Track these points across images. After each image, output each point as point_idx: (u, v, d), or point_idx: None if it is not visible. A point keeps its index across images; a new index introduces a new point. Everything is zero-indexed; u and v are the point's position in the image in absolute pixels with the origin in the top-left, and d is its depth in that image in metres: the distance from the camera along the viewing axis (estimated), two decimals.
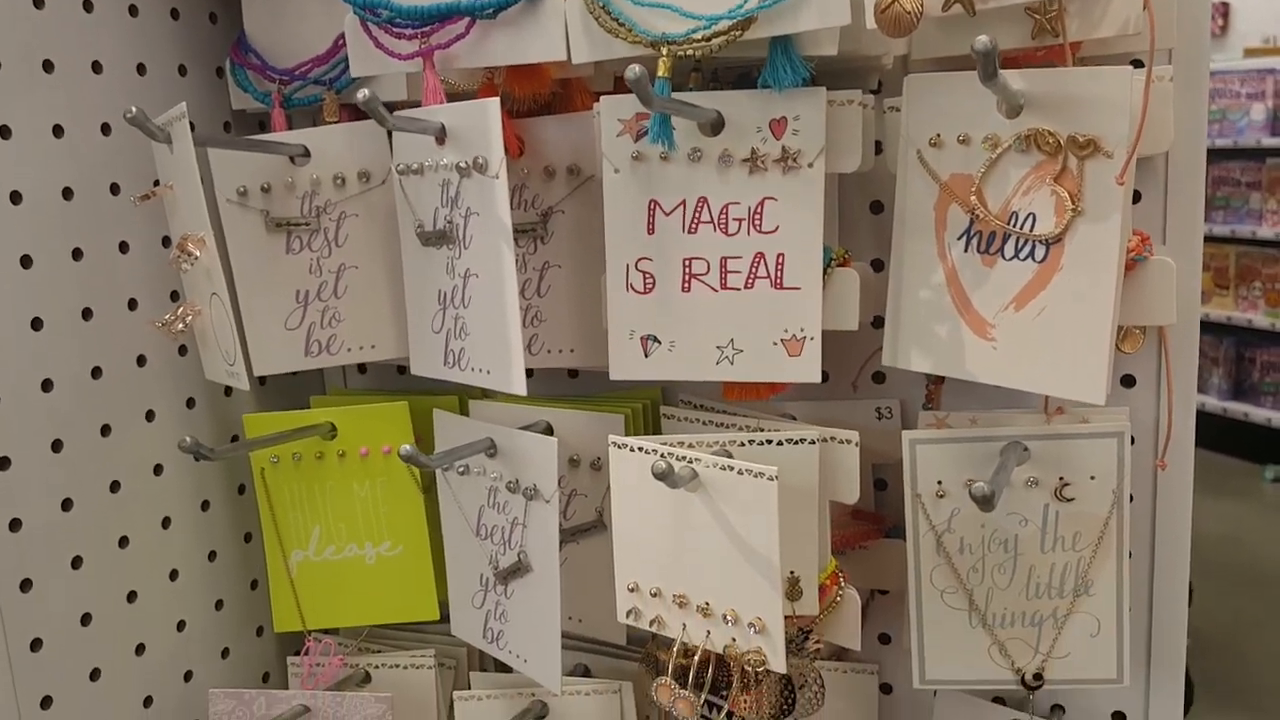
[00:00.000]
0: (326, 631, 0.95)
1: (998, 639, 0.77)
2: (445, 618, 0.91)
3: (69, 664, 0.81)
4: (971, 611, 0.77)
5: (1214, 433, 3.62)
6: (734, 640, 0.70)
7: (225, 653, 0.96)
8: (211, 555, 0.94)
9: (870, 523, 0.87)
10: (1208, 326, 3.58)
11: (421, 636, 0.99)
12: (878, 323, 0.83)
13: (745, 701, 0.77)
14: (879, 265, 0.83)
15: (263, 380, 0.99)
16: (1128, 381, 0.79)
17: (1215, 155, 3.50)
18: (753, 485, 0.67)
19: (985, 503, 0.61)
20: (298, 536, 0.93)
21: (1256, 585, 2.91)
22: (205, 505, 0.93)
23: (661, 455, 0.67)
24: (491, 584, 0.84)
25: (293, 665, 0.96)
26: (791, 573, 0.75)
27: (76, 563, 0.81)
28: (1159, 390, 0.78)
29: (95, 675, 0.83)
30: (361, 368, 1.04)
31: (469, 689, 0.90)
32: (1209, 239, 3.58)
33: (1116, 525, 0.74)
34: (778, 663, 0.68)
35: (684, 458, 0.69)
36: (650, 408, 0.89)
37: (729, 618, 0.70)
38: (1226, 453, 3.76)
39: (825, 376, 0.87)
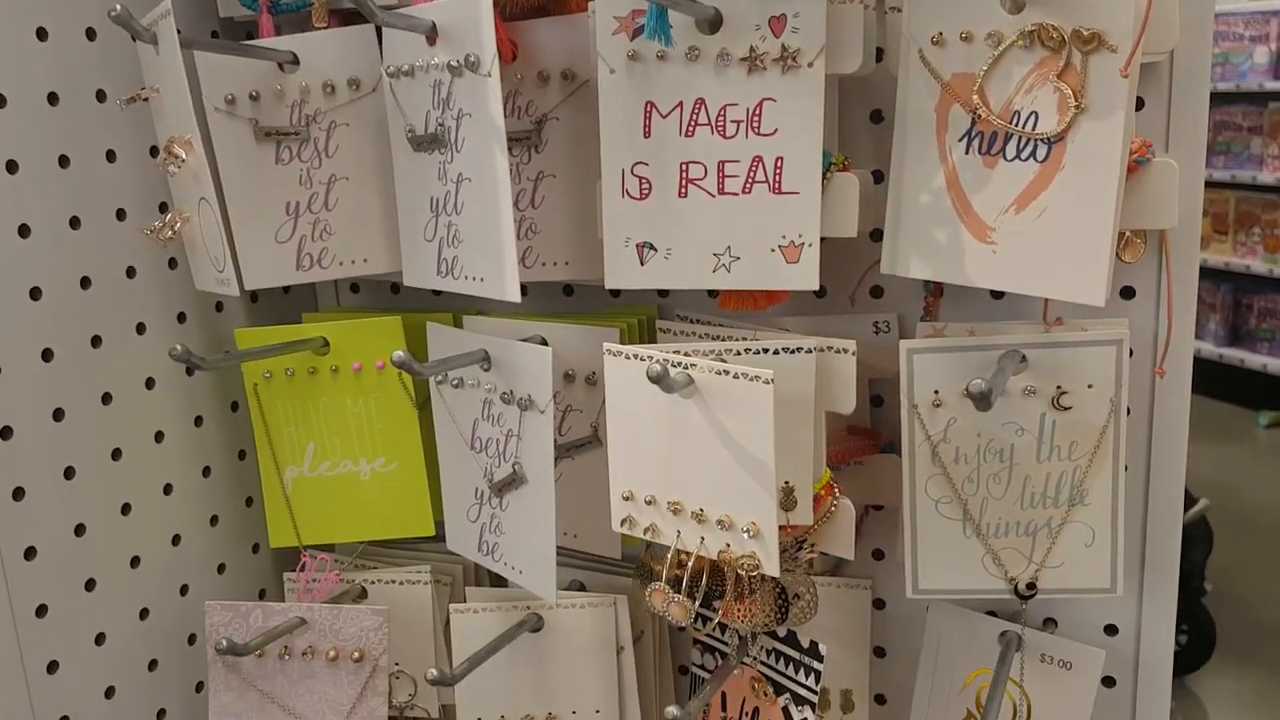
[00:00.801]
0: (322, 548, 0.95)
1: (992, 549, 0.77)
2: (441, 536, 0.91)
3: (63, 573, 0.81)
4: (966, 522, 0.77)
5: (1209, 378, 3.63)
6: (728, 546, 0.70)
7: (221, 568, 0.96)
8: (206, 471, 0.94)
9: (865, 438, 0.87)
10: (1205, 272, 3.57)
11: (417, 554, 1.00)
12: (876, 236, 0.82)
13: (738, 611, 0.77)
14: (879, 177, 0.82)
15: (254, 297, 0.98)
16: (1127, 293, 0.78)
17: (1216, 99, 3.46)
18: (748, 389, 0.66)
19: (982, 399, 0.61)
20: (292, 452, 0.92)
21: (1250, 530, 2.94)
22: (199, 421, 0.93)
23: (656, 359, 0.67)
24: (486, 497, 0.84)
25: (289, 581, 0.96)
26: (786, 483, 0.75)
27: (69, 473, 0.81)
28: (1158, 303, 0.77)
29: (90, 585, 0.83)
30: (354, 287, 1.03)
31: (465, 603, 0.91)
32: (1209, 184, 3.56)
33: (1113, 434, 0.73)
34: (772, 567, 0.68)
35: (679, 363, 0.68)
36: (646, 323, 0.88)
37: (723, 523, 0.70)
38: (1221, 399, 3.78)
39: (822, 291, 0.87)
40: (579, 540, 0.90)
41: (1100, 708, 0.85)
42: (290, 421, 0.92)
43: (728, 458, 0.68)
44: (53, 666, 0.80)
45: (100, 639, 0.84)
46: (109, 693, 0.85)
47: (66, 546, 0.81)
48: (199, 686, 0.93)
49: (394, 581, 0.95)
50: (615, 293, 0.93)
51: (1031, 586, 0.77)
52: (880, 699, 0.94)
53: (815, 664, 0.79)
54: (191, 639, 0.93)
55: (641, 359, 0.70)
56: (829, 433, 0.79)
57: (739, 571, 0.69)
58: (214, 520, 0.95)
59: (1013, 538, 0.77)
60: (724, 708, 0.88)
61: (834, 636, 0.91)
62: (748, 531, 0.68)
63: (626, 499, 0.74)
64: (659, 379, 0.65)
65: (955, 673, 0.85)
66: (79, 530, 0.82)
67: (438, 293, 1.00)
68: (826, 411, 0.76)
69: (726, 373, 0.67)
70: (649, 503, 0.73)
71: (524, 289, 0.97)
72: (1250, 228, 3.67)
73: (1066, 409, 0.73)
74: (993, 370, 0.70)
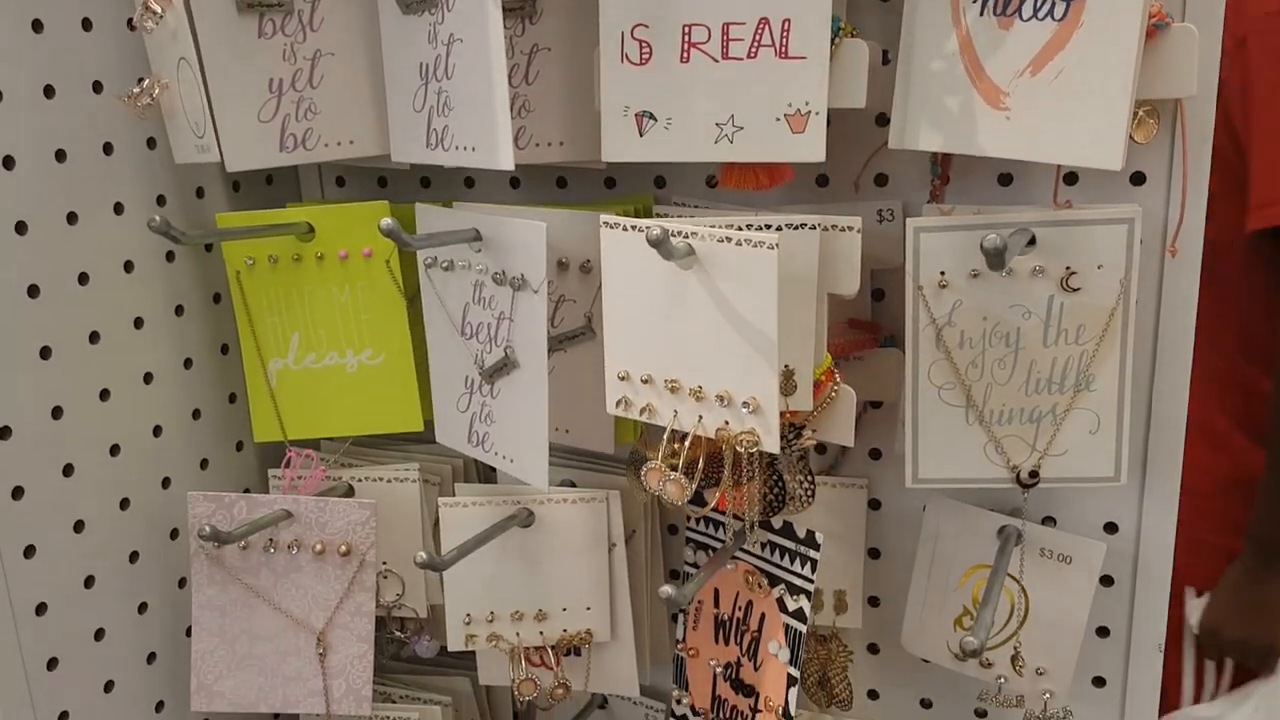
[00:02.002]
0: (308, 445, 0.92)
1: (994, 436, 0.75)
2: (430, 437, 0.89)
3: (40, 456, 0.78)
4: (969, 408, 0.75)
5: None
6: (726, 423, 0.68)
7: (204, 463, 0.94)
8: (187, 362, 0.91)
9: (866, 331, 0.85)
10: None
11: (405, 454, 0.98)
12: (882, 120, 0.80)
13: (735, 498, 0.75)
14: (886, 58, 0.79)
15: (236, 187, 0.95)
16: (1137, 179, 0.76)
17: None
18: (751, 256, 0.64)
19: (996, 256, 0.59)
20: (276, 344, 0.90)
21: None
22: (179, 310, 0.90)
23: (656, 225, 0.64)
24: (477, 385, 0.82)
25: (274, 478, 0.94)
26: (786, 367, 0.73)
27: (45, 353, 0.78)
28: (1169, 188, 0.75)
29: (69, 471, 0.81)
30: (340, 180, 1.00)
31: (454, 497, 0.89)
32: None
33: (1122, 317, 0.72)
34: (771, 443, 0.66)
35: (680, 232, 0.66)
36: (642, 211, 0.86)
37: (723, 399, 0.68)
38: None
39: (824, 180, 0.84)
40: (571, 436, 0.88)
41: (1098, 607, 0.84)
42: (274, 311, 0.89)
43: (728, 330, 0.66)
44: (30, 551, 0.78)
45: (79, 526, 0.82)
46: (88, 582, 0.83)
47: (43, 429, 0.79)
48: (181, 582, 0.91)
49: (381, 479, 0.93)
50: (610, 183, 0.91)
51: (1034, 475, 0.75)
52: (874, 601, 0.93)
53: (812, 553, 0.78)
54: (174, 534, 0.91)
55: (640, 228, 0.68)
56: (829, 326, 0.77)
57: (736, 449, 0.67)
58: (196, 414, 0.92)
59: (1016, 425, 0.75)
60: (716, 603, 0.87)
61: (829, 537, 0.89)
62: (747, 406, 0.66)
63: (622, 379, 0.72)
64: (659, 243, 0.63)
65: (952, 569, 0.84)
66: (55, 413, 0.79)
67: (426, 184, 0.98)
68: (830, 295, 0.74)
69: (729, 240, 0.64)
70: (645, 382, 0.71)
71: (516, 181, 0.95)
72: None
73: (1075, 290, 0.72)
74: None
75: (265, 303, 0.89)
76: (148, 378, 0.87)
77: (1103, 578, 0.85)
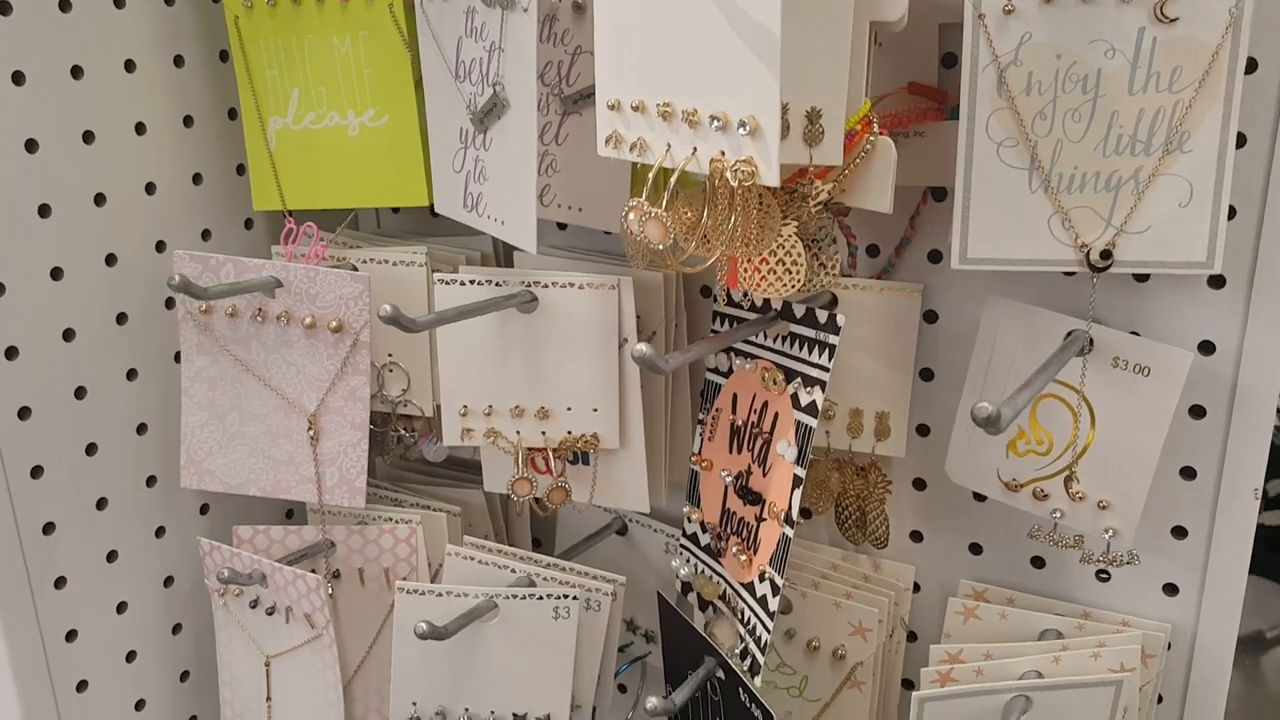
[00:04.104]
0: (309, 216, 0.86)
1: (1062, 207, 0.63)
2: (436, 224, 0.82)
3: (17, 201, 0.74)
4: (1033, 171, 0.63)
5: None
6: (722, 154, 0.57)
7: (206, 234, 0.88)
8: (187, 120, 0.85)
9: (931, 99, 0.72)
10: None
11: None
12: None
13: (749, 273, 0.65)
14: None
15: None
16: None
17: None
18: None
19: None
20: (276, 101, 0.83)
21: None
22: (178, 61, 0.84)
23: None
24: (470, 137, 0.73)
25: (275, 254, 0.88)
26: (812, 108, 0.61)
27: (17, 78, 0.73)
28: None
29: (45, 211, 0.76)
30: None
31: (454, 272, 0.81)
32: None
33: (1228, 58, 0.58)
34: (770, 175, 0.56)
35: None
36: None
37: (718, 121, 0.57)
38: None
39: None
40: (584, 215, 0.79)
41: (1185, 443, 0.71)
42: (273, 63, 0.82)
43: (724, 28, 0.55)
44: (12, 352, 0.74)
45: (56, 273, 0.77)
46: (67, 335, 0.79)
47: (21, 163, 0.74)
48: (177, 356, 0.87)
49: (386, 261, 0.86)
50: None
51: (1107, 255, 0.63)
52: (923, 430, 0.82)
53: (831, 338, 0.67)
54: (169, 303, 0.86)
55: None
56: (886, 92, 0.66)
57: (730, 181, 0.56)
58: (197, 179, 0.87)
59: (1089, 193, 0.62)
60: (734, 409, 0.77)
61: (874, 351, 0.78)
62: (744, 127, 0.55)
63: (612, 109, 0.62)
64: None
65: (1009, 382, 0.72)
66: (30, 146, 0.74)
67: None
68: (874, 25, 0.62)
69: None
70: (637, 109, 0.61)
71: None
72: None
73: (1172, 21, 0.58)
74: None
75: (265, 52, 0.82)
76: (139, 128, 0.81)
77: (1192, 408, 0.72)
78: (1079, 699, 0.68)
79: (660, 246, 0.58)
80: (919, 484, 0.84)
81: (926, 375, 0.80)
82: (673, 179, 0.58)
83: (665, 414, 0.85)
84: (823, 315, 0.68)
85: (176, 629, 0.91)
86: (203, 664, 0.93)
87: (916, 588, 0.85)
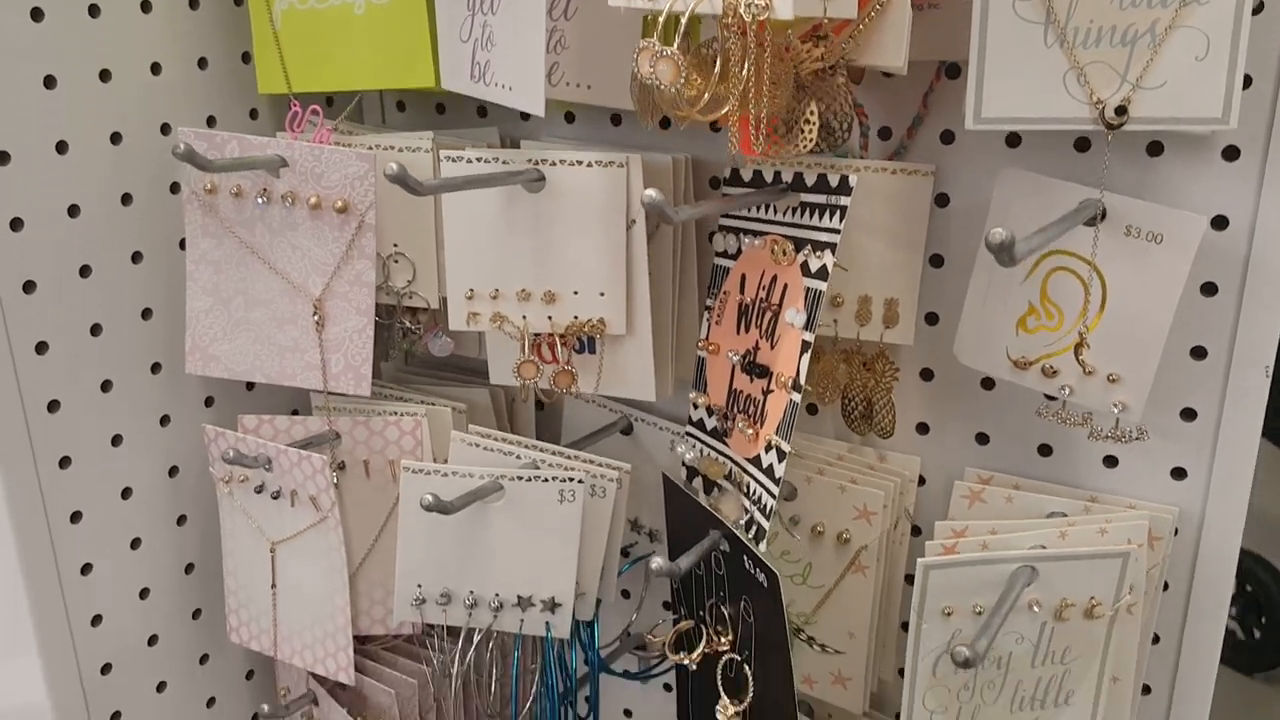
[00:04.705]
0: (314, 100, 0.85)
1: (1077, 63, 0.62)
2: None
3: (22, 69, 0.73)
4: (1049, 25, 0.62)
5: None
6: None
7: (210, 121, 0.88)
8: (193, 3, 0.84)
9: None
10: None
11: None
12: None
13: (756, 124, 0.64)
14: None
15: None
16: None
17: None
18: None
19: None
20: None
21: None
22: None
23: None
24: (477, 3, 0.72)
25: (280, 137, 0.87)
26: None
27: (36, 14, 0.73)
28: None
29: (51, 82, 0.76)
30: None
31: (460, 150, 0.80)
32: None
33: None
34: (783, 7, 0.55)
35: None
36: None
37: None
38: None
39: None
40: (593, 93, 0.78)
41: (1195, 323, 0.71)
42: None
43: None
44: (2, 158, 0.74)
45: (62, 147, 0.77)
46: (73, 210, 0.78)
47: (27, 34, 0.73)
48: (182, 244, 0.86)
49: (393, 148, 0.85)
50: None
51: (1122, 111, 0.62)
52: (931, 319, 0.81)
53: (843, 200, 0.67)
54: (174, 188, 0.86)
55: None
56: None
57: (743, 15, 0.55)
58: (203, 63, 0.86)
59: (1105, 48, 0.61)
60: (742, 289, 0.77)
61: (884, 235, 0.78)
62: None
63: None
64: None
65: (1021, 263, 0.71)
66: (35, 15, 0.74)
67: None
68: None
69: None
70: None
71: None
72: None
73: None
74: None
75: None
76: (145, 6, 0.81)
77: (1203, 286, 0.71)
78: (1086, 570, 0.68)
79: (673, 88, 0.58)
80: (926, 375, 0.83)
81: (936, 262, 0.80)
82: (683, 19, 0.57)
83: (672, 301, 0.84)
84: (834, 178, 0.67)
85: (181, 520, 0.91)
86: (207, 557, 0.93)
87: (921, 481, 0.85)
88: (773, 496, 0.68)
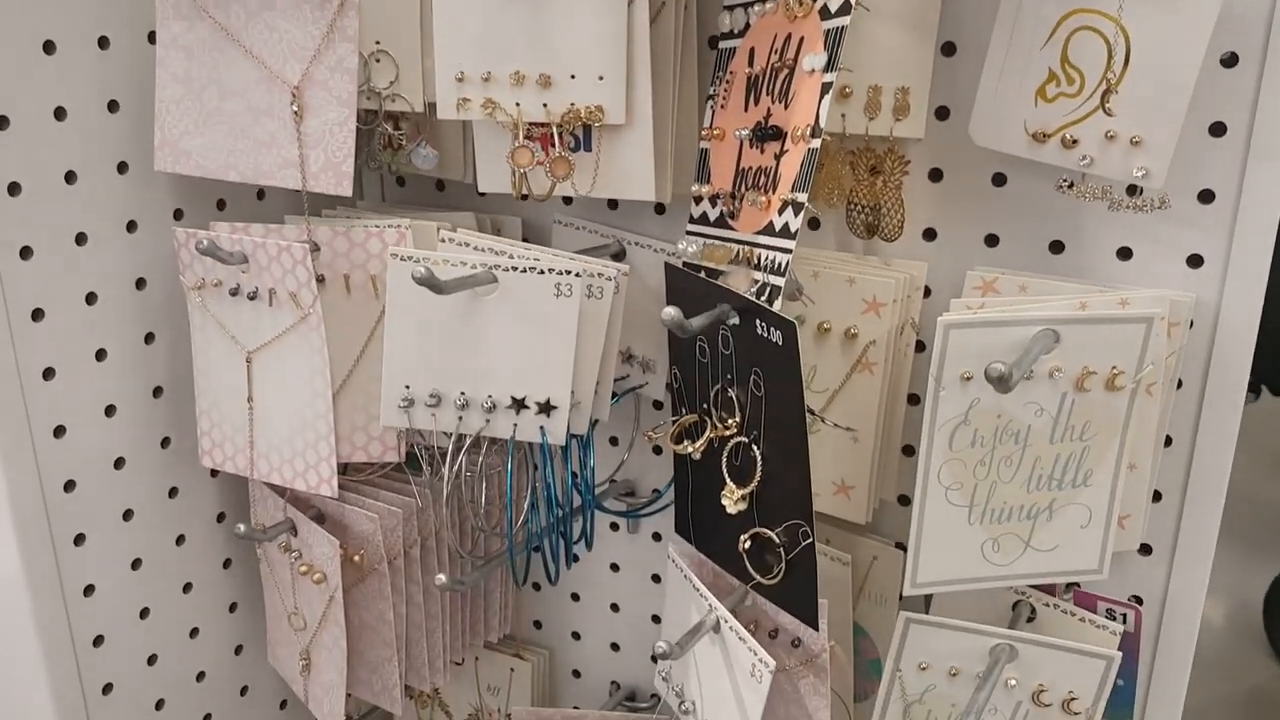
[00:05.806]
0: None
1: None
2: None
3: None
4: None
5: None
6: None
7: None
8: None
9: None
10: None
11: None
12: None
13: None
14: None
15: None
16: None
17: None
18: None
19: None
20: None
21: None
22: None
23: None
24: None
25: None
26: None
27: None
28: None
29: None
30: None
31: None
32: None
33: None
34: None
35: None
36: None
37: None
38: None
39: None
40: None
41: (1218, 94, 0.69)
42: None
43: None
44: None
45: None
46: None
47: None
48: (150, 36, 0.81)
49: None
50: None
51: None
52: (942, 113, 0.78)
53: None
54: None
55: None
56: None
57: None
58: None
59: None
60: (750, 62, 0.73)
61: (896, 20, 0.75)
62: None
63: None
64: None
65: (1036, 50, 0.69)
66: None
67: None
68: None
69: None
70: None
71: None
72: None
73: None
74: None
75: None
76: None
77: (1223, 58, 0.69)
78: (1109, 335, 0.66)
79: None
80: (935, 175, 0.80)
81: (948, 50, 0.77)
82: None
83: (673, 97, 0.80)
84: None
85: (149, 338, 0.86)
86: (176, 378, 0.88)
87: (927, 293, 0.82)
88: (788, 253, 0.65)
